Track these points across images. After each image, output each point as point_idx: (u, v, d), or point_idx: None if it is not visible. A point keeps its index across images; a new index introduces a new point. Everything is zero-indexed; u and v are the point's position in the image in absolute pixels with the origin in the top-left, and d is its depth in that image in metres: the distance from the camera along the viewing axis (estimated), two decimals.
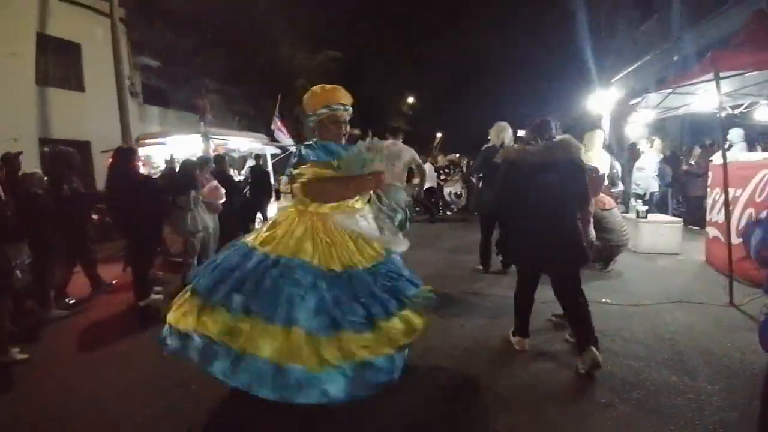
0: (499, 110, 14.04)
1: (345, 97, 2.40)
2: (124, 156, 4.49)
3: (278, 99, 10.38)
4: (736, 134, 6.66)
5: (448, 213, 10.98)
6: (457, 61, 22.40)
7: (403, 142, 4.95)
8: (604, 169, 5.73)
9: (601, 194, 5.20)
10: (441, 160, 12.08)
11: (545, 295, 3.16)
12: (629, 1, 15.20)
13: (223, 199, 5.72)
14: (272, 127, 10.33)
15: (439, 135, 29.57)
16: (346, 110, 2.40)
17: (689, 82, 5.13)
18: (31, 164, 5.71)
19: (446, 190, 11.10)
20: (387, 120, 21.65)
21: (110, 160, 4.74)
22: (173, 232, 5.72)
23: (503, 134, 5.08)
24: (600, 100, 9.35)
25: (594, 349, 2.70)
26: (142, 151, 7.30)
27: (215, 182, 5.77)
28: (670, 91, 5.65)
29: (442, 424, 2.33)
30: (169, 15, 12.10)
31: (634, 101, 7.20)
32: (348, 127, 2.44)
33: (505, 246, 3.28)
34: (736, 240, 4.30)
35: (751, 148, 6.78)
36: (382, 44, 18.41)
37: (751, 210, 4.50)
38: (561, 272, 2.88)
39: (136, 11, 11.31)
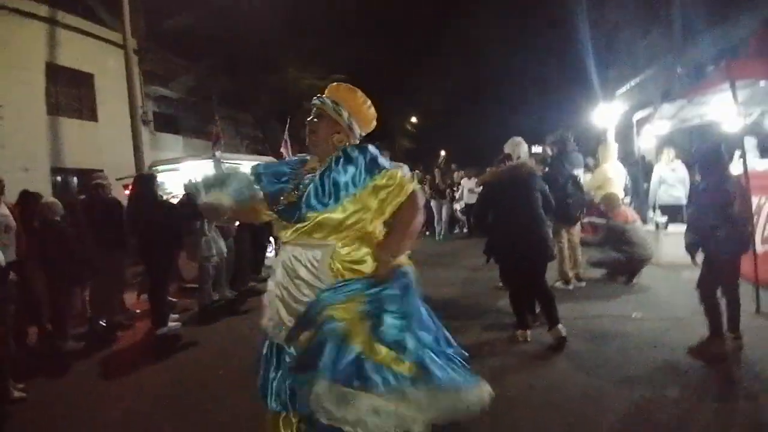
0: (504, 125, 14.07)
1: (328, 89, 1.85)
2: (146, 183, 4.52)
3: (287, 122, 10.51)
4: (749, 144, 6.59)
5: (465, 231, 10.83)
6: (461, 77, 22.69)
7: (408, 160, 4.90)
8: (620, 181, 5.68)
9: (624, 208, 5.15)
10: (456, 176, 11.85)
11: None
12: (632, 15, 15.39)
13: (237, 223, 5.71)
14: (281, 149, 10.43)
15: (443, 153, 29.78)
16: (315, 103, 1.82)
17: (705, 92, 5.14)
18: (43, 193, 5.73)
19: (455, 206, 10.99)
20: (394, 140, 21.85)
21: (129, 187, 4.77)
22: (187, 258, 5.70)
23: (518, 149, 5.05)
24: (604, 114, 9.39)
25: (558, 326, 3.34)
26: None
27: None
28: (685, 101, 5.66)
29: None
30: (179, 45, 12.41)
31: (645, 112, 7.21)
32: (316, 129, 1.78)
33: (491, 251, 3.83)
34: (761, 248, 4.20)
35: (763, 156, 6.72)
36: (384, 64, 18.68)
37: None
38: (532, 267, 3.48)
39: (147, 42, 11.61)
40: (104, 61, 10.92)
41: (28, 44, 9.58)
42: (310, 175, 1.73)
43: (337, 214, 1.63)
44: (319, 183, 1.64)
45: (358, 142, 1.80)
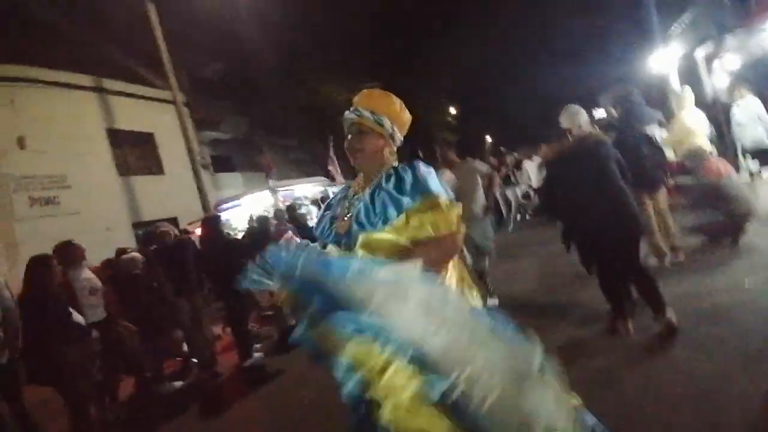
0: (551, 95, 13.13)
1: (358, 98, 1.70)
2: (212, 223, 4.79)
3: (329, 141, 10.70)
4: None
5: (527, 217, 10.28)
6: (495, 54, 21.61)
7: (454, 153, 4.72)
8: (703, 128, 5.01)
9: (713, 160, 4.54)
10: (510, 160, 11.25)
11: None
12: None
13: None
14: (329, 167, 10.64)
15: (488, 139, 28.84)
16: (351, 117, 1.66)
17: (761, 18, 4.47)
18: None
19: (517, 191, 10.39)
20: (435, 136, 21.48)
21: (199, 230, 5.05)
22: None
23: (577, 119, 4.61)
24: (662, 59, 8.52)
25: (666, 310, 2.87)
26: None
27: (290, 233, 5.91)
28: (746, 30, 4.95)
29: None
30: (220, 87, 13.14)
31: (707, 48, 6.38)
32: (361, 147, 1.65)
33: (569, 239, 3.33)
34: None
35: None
36: (412, 63, 18.48)
37: None
38: (622, 246, 3.03)
39: (192, 92, 12.42)
40: (160, 118, 11.82)
41: (82, 114, 10.39)
42: (358, 196, 1.64)
43: (383, 235, 1.49)
44: (369, 201, 1.54)
45: (396, 148, 1.69)
